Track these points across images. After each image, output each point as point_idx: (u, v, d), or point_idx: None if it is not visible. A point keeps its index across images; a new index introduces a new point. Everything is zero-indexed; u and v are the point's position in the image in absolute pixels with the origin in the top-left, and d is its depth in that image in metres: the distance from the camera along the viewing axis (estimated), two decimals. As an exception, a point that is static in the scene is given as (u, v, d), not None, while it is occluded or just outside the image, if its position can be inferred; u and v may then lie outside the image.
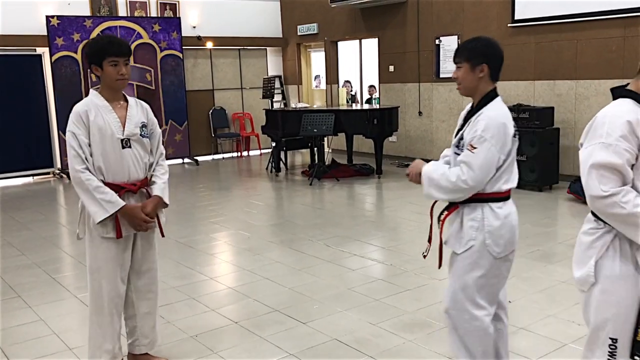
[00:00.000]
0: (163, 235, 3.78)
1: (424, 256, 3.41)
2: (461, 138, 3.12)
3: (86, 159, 3.46)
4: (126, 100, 3.67)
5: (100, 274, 3.61)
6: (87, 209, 3.50)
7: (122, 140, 3.55)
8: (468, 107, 3.26)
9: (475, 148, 2.97)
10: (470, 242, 3.06)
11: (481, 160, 2.95)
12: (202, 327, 4.58)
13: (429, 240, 3.37)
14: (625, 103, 2.46)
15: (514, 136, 3.07)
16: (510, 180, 3.10)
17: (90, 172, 3.45)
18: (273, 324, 4.59)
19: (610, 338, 2.56)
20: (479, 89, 3.13)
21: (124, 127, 3.56)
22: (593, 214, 2.57)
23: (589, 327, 2.66)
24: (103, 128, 3.49)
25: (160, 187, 3.69)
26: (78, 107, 3.52)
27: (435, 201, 3.27)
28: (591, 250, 2.56)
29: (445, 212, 3.21)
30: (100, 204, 3.44)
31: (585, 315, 2.68)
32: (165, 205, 3.74)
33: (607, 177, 2.40)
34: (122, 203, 3.50)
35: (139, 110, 3.69)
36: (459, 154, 3.08)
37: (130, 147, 3.58)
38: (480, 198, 3.05)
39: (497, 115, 3.02)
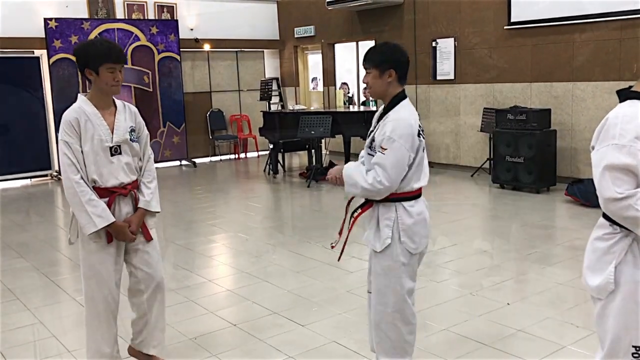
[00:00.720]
0: (148, 239, 3.76)
1: (332, 247, 3.67)
2: (373, 140, 3.27)
3: (80, 167, 3.47)
4: (114, 105, 3.66)
5: (95, 279, 3.61)
6: (78, 220, 3.51)
7: (111, 147, 3.55)
8: (381, 109, 3.42)
9: (385, 149, 3.13)
10: (387, 241, 3.25)
11: (393, 160, 3.12)
12: (201, 330, 4.59)
13: (340, 233, 3.60)
14: (635, 104, 2.42)
15: (418, 135, 3.22)
16: (420, 179, 3.29)
17: (84, 181, 3.46)
18: (272, 327, 4.60)
19: (634, 346, 2.47)
20: (388, 93, 3.31)
21: (112, 134, 3.56)
22: (607, 218, 2.51)
23: (604, 337, 2.54)
24: (93, 135, 3.49)
25: (146, 199, 3.70)
26: (68, 115, 3.50)
27: (353, 197, 3.45)
28: (609, 256, 2.48)
29: (360, 210, 3.38)
30: (90, 218, 3.45)
31: (600, 325, 2.57)
32: (155, 212, 3.77)
33: (621, 179, 2.34)
34: (112, 219, 3.51)
35: (127, 116, 3.67)
36: (372, 155, 3.24)
37: (120, 153, 3.59)
38: (394, 198, 3.24)
39: (403, 116, 3.20)
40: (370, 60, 3.32)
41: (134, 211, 3.69)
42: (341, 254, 3.63)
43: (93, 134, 3.49)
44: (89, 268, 3.62)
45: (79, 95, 3.64)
